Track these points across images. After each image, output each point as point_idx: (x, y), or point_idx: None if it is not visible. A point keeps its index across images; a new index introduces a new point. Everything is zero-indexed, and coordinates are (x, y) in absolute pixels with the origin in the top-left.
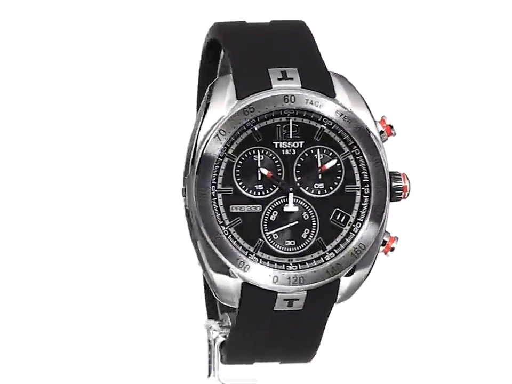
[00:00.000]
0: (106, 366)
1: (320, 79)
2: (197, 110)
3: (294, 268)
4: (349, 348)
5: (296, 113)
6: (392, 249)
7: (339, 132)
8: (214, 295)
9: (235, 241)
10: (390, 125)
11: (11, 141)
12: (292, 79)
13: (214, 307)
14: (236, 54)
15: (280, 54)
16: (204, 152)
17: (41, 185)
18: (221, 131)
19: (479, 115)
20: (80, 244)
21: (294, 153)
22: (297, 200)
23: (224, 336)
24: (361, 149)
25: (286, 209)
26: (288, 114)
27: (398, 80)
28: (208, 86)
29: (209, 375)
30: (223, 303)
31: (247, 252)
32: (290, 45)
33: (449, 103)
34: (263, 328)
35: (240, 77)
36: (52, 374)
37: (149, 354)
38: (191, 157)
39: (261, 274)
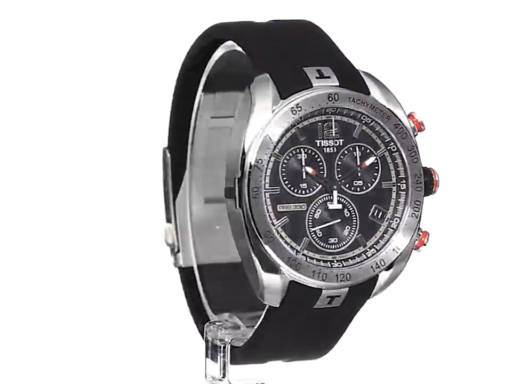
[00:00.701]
0: (97, 369)
1: (354, 77)
2: (172, 114)
3: (339, 265)
4: (355, 346)
5: (337, 111)
6: (424, 244)
7: (376, 129)
8: (257, 294)
9: (283, 241)
10: (419, 121)
11: None
12: (329, 77)
13: (201, 310)
14: (260, 54)
15: (308, 53)
16: (256, 153)
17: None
18: (270, 131)
19: (489, 108)
20: (68, 244)
21: (335, 151)
22: (339, 197)
23: (232, 338)
24: (398, 145)
25: (331, 206)
26: (330, 113)
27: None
28: (247, 87)
29: (223, 377)
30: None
31: (295, 250)
32: (313, 44)
33: (456, 100)
34: (295, 326)
35: (279, 77)
36: (53, 375)
37: (143, 356)
38: (240, 159)
39: (311, 272)
